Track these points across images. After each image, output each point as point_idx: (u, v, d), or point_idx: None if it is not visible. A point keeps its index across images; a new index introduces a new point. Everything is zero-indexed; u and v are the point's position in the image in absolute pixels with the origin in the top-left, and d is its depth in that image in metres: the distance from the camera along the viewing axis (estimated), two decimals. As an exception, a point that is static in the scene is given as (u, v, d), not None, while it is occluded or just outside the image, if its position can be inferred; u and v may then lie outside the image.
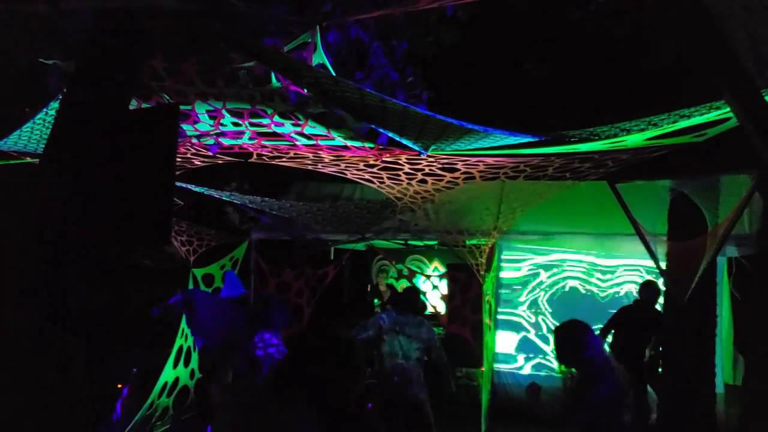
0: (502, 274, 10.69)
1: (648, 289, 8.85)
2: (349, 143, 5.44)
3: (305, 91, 4.64)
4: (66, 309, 3.95)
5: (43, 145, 6.32)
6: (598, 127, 4.26)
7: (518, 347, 10.71)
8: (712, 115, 4.14)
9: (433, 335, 7.08)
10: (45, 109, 5.64)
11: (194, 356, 9.74)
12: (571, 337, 4.89)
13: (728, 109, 3.95)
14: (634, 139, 4.93)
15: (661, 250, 6.79)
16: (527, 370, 10.61)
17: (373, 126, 4.97)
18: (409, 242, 12.34)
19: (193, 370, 9.74)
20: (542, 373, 10.52)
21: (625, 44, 10.87)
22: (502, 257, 10.51)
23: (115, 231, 4.00)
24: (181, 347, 9.44)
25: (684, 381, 7.03)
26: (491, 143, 4.71)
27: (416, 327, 6.92)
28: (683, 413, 6.90)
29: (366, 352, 7.35)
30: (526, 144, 4.82)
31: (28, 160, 7.01)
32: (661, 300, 8.43)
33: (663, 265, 6.73)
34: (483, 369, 10.24)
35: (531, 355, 10.64)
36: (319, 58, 4.45)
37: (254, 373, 4.64)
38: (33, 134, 6.14)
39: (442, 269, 13.26)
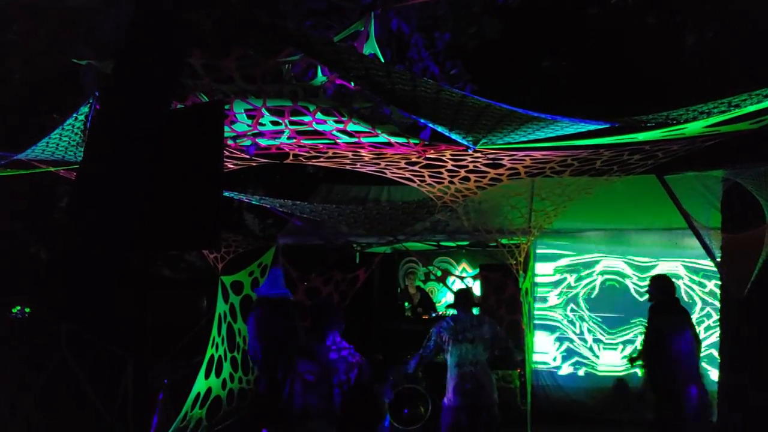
0: (537, 272, 10.43)
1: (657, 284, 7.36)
2: (393, 140, 5.22)
3: (352, 84, 4.43)
4: (110, 319, 3.77)
5: (72, 152, 6.18)
6: (675, 111, 4.01)
7: (555, 347, 10.45)
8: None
9: (496, 329, 6.89)
10: (75, 114, 5.44)
11: (226, 366, 9.55)
12: None
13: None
14: (694, 128, 4.68)
15: (715, 244, 6.53)
16: (565, 369, 10.34)
17: (421, 120, 4.76)
18: (441, 243, 12.11)
19: (224, 380, 9.56)
20: (581, 373, 10.27)
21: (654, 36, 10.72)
22: (537, 255, 10.27)
23: (161, 236, 3.80)
24: (212, 357, 9.25)
25: (745, 379, 6.75)
26: (549, 134, 4.47)
27: (477, 328, 6.77)
28: (746, 413, 6.62)
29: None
30: (584, 134, 4.59)
31: (52, 169, 6.83)
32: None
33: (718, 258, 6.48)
34: (519, 370, 10.03)
35: (569, 355, 10.36)
36: (371, 48, 4.23)
37: (330, 378, 4.43)
38: (61, 141, 5.94)
39: (471, 270, 13.02)
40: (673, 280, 6.73)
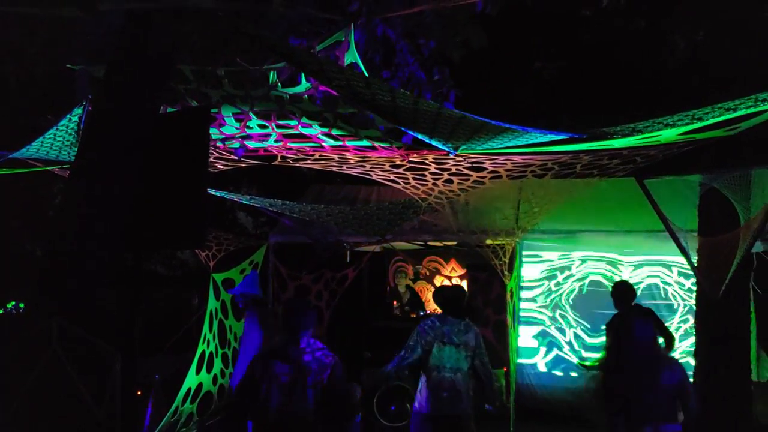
0: (523, 273, 10.57)
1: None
2: (376, 144, 5.38)
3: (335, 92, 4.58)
4: (100, 316, 3.91)
5: (66, 152, 6.33)
6: (641, 123, 4.17)
7: (540, 346, 10.60)
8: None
9: (480, 341, 6.36)
10: (68, 116, 5.59)
11: (216, 362, 9.70)
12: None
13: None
14: (668, 134, 4.84)
15: (692, 246, 6.68)
16: (549, 368, 10.50)
17: (402, 128, 4.91)
18: (429, 243, 12.25)
19: (215, 376, 9.70)
20: (563, 372, 10.42)
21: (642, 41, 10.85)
22: (523, 256, 10.41)
23: (149, 235, 3.95)
24: (203, 353, 9.39)
25: (720, 380, 6.92)
26: (525, 141, 4.64)
27: (464, 333, 6.23)
28: (719, 413, 6.79)
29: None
30: (559, 141, 4.74)
31: (47, 168, 6.97)
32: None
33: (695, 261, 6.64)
34: (506, 369, 10.19)
35: (553, 354, 10.52)
36: (352, 57, 4.39)
37: (304, 379, 4.50)
38: (56, 141, 6.09)
39: (460, 270, 13.16)
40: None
